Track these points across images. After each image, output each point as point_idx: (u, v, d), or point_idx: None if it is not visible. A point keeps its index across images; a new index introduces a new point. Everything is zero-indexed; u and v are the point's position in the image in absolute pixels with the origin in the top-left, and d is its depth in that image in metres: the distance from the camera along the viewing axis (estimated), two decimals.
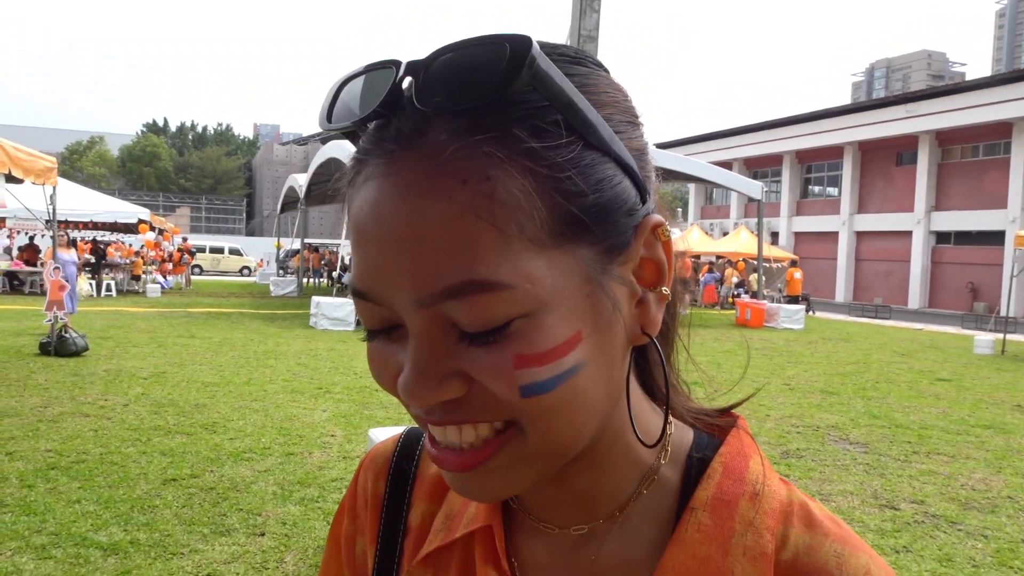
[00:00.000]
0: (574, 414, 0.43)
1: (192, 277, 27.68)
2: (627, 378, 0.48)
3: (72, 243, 11.86)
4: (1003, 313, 16.59)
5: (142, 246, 24.32)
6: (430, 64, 0.41)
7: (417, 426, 0.58)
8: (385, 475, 0.63)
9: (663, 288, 0.47)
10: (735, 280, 25.10)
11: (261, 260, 36.52)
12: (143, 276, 23.55)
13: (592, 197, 0.42)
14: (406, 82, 0.42)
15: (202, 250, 39.54)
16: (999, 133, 28.60)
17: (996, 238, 28.11)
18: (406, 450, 0.64)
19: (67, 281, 11.30)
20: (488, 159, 0.40)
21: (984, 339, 15.08)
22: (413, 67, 0.41)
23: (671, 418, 0.54)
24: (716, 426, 0.56)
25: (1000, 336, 15.39)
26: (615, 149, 0.43)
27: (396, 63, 0.43)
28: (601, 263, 0.43)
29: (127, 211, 20.39)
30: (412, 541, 0.59)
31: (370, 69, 0.44)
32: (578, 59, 0.46)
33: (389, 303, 0.42)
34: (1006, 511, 5.02)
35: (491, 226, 0.39)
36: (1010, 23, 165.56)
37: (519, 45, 0.38)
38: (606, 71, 0.48)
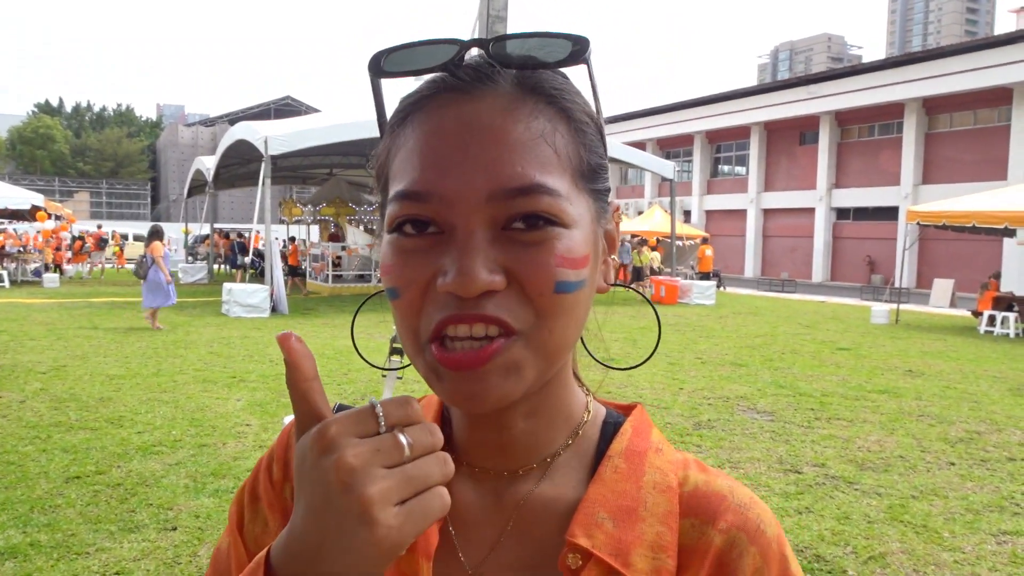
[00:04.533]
0: (572, 322, 0.53)
1: (104, 265, 26.10)
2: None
3: (156, 234, 12.01)
4: (897, 284, 17.58)
5: (71, 236, 22.89)
6: (502, 39, 0.53)
7: (347, 404, 0.65)
8: None
9: (613, 256, 0.60)
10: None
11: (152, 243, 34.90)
12: (34, 265, 22.26)
13: (601, 161, 0.57)
14: (471, 52, 0.53)
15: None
16: (892, 114, 30.13)
17: (891, 213, 29.69)
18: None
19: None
20: (552, 106, 0.53)
21: (880, 309, 15.96)
22: (478, 42, 0.54)
23: (590, 397, 0.65)
24: (621, 407, 0.67)
25: (894, 306, 16.33)
26: (605, 140, 0.58)
27: (459, 39, 0.53)
28: (598, 214, 0.56)
29: (19, 197, 19.21)
30: None
31: (430, 42, 0.54)
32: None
33: (452, 201, 0.50)
34: (898, 469, 5.36)
35: (554, 152, 0.52)
36: (902, 8, 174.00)
37: (581, 39, 0.53)
38: None
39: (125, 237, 37.23)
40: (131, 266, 24.09)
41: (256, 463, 0.69)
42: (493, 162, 0.50)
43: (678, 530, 0.56)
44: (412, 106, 0.54)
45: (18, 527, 3.91)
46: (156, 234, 11.98)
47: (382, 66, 0.55)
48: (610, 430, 0.62)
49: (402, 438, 0.44)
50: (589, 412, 0.63)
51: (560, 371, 0.59)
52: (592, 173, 0.55)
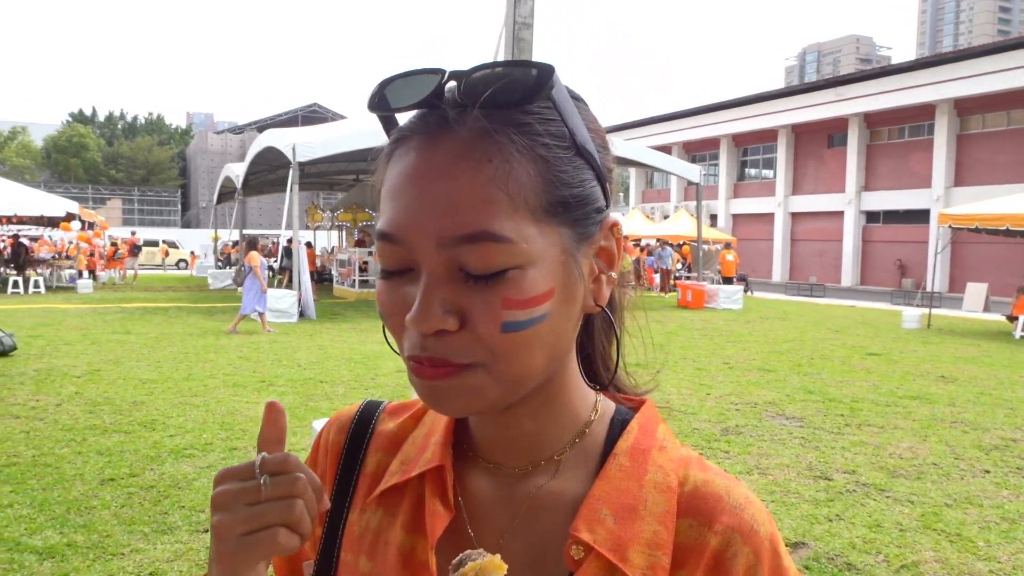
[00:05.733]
0: (533, 353, 0.56)
1: (138, 272, 26.46)
2: (574, 342, 0.63)
3: (252, 244, 12.85)
4: (928, 288, 17.30)
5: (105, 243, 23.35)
6: (472, 73, 0.54)
7: (377, 400, 0.76)
8: (346, 430, 0.73)
9: (612, 273, 0.61)
10: (678, 264, 25.49)
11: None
12: (69, 271, 22.71)
13: (576, 190, 0.56)
14: (449, 84, 0.55)
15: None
16: (923, 115, 29.69)
17: (922, 216, 29.23)
18: (366, 413, 0.74)
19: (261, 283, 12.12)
20: (511, 146, 0.53)
21: (911, 314, 15.71)
22: (455, 74, 0.54)
23: (600, 395, 0.68)
24: (632, 402, 0.70)
25: (926, 311, 16.06)
26: (595, 161, 0.58)
27: (441, 71, 0.55)
28: (575, 242, 0.57)
29: (54, 205, 19.62)
30: (367, 484, 0.69)
31: (417, 72, 0.56)
32: (575, 95, 0.60)
33: (413, 244, 0.54)
34: (931, 477, 5.27)
35: (506, 195, 0.52)
36: (932, 8, 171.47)
37: (545, 69, 0.53)
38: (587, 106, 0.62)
39: (155, 243, 37.83)
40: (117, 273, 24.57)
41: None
42: (444, 209, 0.52)
43: (675, 529, 0.59)
44: (392, 144, 0.58)
45: (55, 528, 3.99)
46: (252, 244, 12.77)
47: (376, 103, 0.58)
48: (617, 427, 0.65)
49: (263, 486, 0.55)
50: (597, 411, 0.66)
51: (562, 374, 0.62)
52: (561, 205, 0.55)
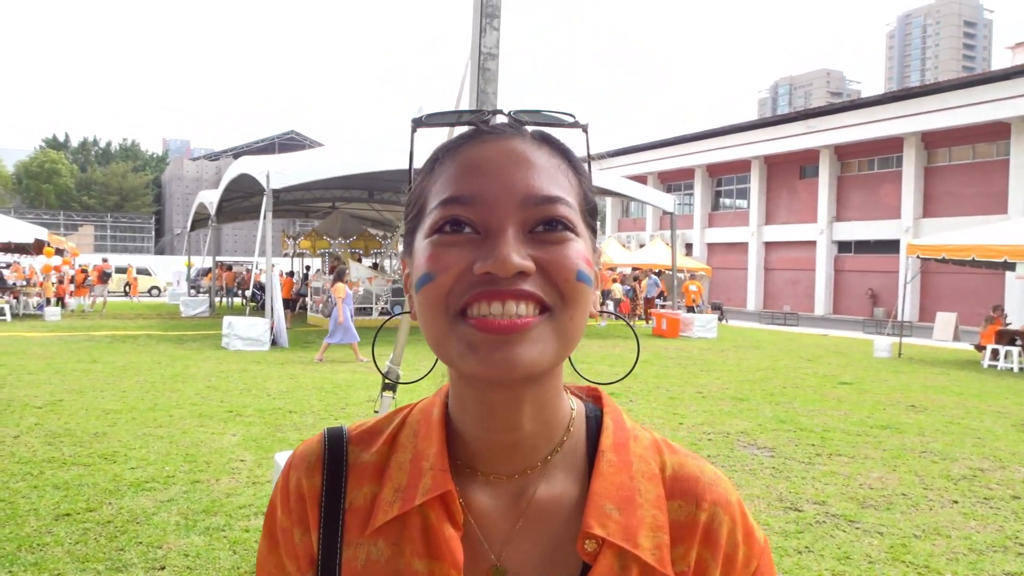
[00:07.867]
0: (585, 310, 0.64)
1: (106, 299, 25.89)
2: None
3: (340, 276, 13.14)
4: (899, 318, 17.52)
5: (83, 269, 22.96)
6: (519, 112, 0.69)
7: (335, 427, 0.75)
8: (319, 469, 0.71)
9: (598, 290, 0.69)
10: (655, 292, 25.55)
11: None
12: (36, 299, 22.29)
13: (593, 204, 0.70)
14: (499, 117, 0.69)
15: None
16: (891, 147, 30.32)
17: (892, 247, 29.71)
18: (334, 445, 0.73)
19: (348, 314, 12.33)
20: (565, 156, 0.68)
21: (882, 343, 15.88)
22: (499, 111, 0.69)
23: (568, 392, 0.73)
24: (592, 396, 0.77)
25: (897, 340, 16.25)
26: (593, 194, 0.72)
27: (484, 110, 0.69)
28: (592, 246, 0.68)
29: (22, 231, 19.32)
30: (357, 518, 0.69)
31: (463, 111, 0.70)
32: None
33: (492, 205, 0.62)
34: (900, 508, 5.28)
35: (568, 182, 0.67)
36: (899, 44, 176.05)
37: (580, 121, 0.70)
38: None
39: (123, 271, 37.18)
40: (76, 300, 24.28)
41: (269, 504, 0.75)
42: (527, 177, 0.63)
43: (667, 510, 0.68)
44: (452, 144, 0.67)
45: (4, 566, 3.85)
46: (339, 276, 13.04)
47: (422, 120, 0.71)
48: (593, 424, 0.72)
49: None
50: (574, 410, 0.72)
51: (558, 375, 0.69)
52: (591, 211, 0.69)
